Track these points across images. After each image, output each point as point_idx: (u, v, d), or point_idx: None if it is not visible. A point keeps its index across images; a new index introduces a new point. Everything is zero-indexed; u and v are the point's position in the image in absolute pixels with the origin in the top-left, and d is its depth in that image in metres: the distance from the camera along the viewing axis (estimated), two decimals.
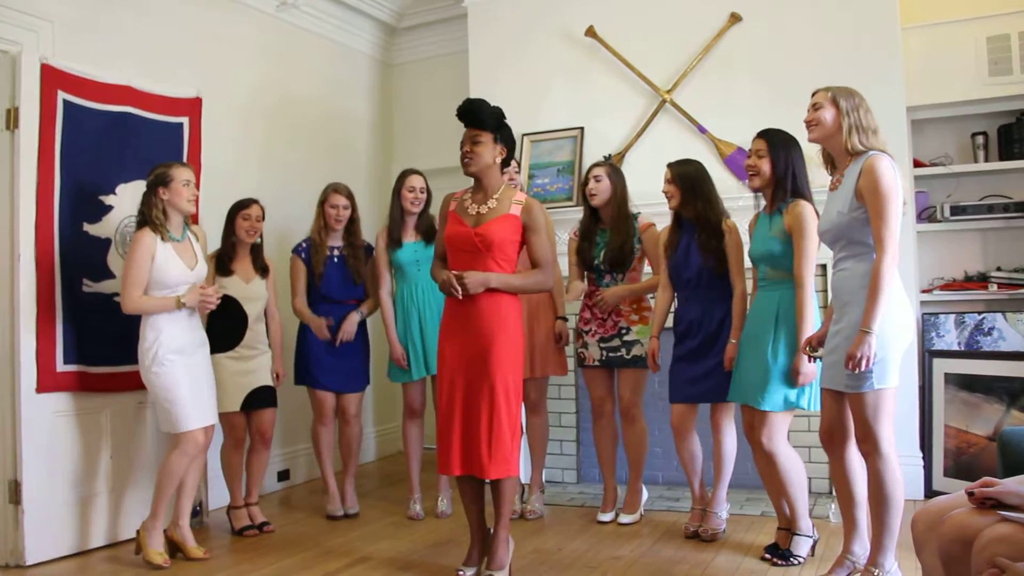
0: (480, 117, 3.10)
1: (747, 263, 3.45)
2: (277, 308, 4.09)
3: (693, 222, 3.55)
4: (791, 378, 3.11)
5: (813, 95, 2.84)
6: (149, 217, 3.40)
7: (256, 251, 3.99)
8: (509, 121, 3.19)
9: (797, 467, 3.22)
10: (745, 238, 3.48)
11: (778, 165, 3.16)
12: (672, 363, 3.64)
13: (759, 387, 3.15)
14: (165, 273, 3.38)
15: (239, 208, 3.92)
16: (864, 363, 2.59)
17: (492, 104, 3.15)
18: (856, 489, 2.87)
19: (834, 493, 3.97)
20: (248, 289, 3.91)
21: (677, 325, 3.63)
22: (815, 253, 3.09)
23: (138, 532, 3.45)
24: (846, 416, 2.79)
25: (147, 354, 3.38)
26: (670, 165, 3.58)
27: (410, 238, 4.09)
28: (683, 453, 3.66)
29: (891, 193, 2.60)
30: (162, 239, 3.40)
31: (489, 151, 3.10)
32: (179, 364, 3.39)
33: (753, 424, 3.25)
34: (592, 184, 3.78)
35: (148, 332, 3.39)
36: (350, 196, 4.14)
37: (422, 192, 4.08)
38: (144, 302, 3.37)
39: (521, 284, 3.12)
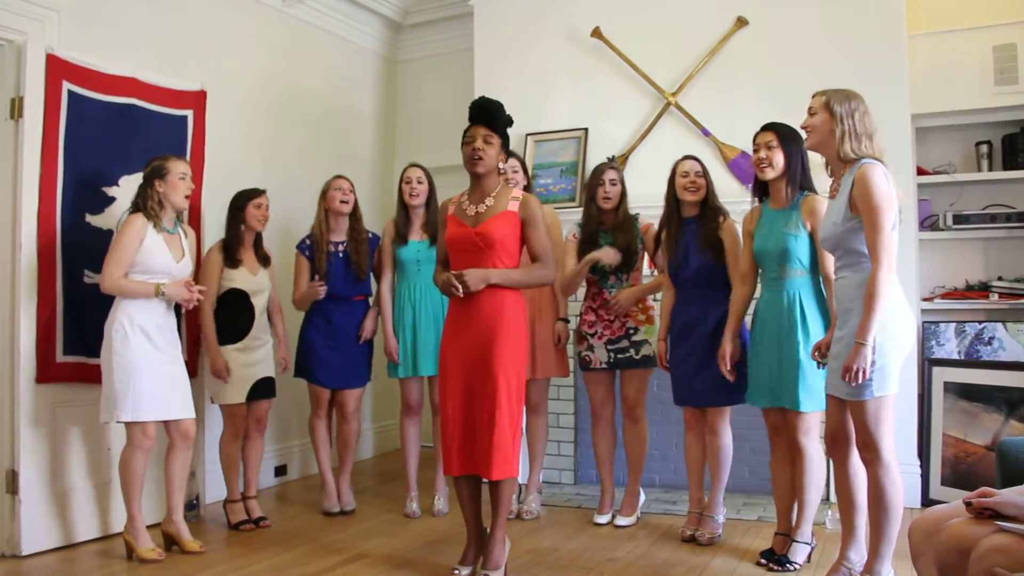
0: (496, 119, 3.11)
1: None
2: (278, 297, 4.11)
3: (696, 217, 3.55)
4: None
5: (812, 98, 2.83)
6: (144, 206, 3.40)
7: (257, 242, 4.00)
8: (513, 120, 3.20)
9: (821, 468, 3.21)
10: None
11: (790, 156, 3.15)
12: (673, 366, 3.64)
13: (794, 388, 3.09)
14: (151, 259, 3.37)
15: (250, 197, 3.91)
16: (860, 375, 2.59)
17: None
18: (858, 496, 2.86)
19: (832, 500, 3.99)
20: (255, 281, 3.92)
21: (673, 327, 3.63)
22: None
23: (124, 538, 3.44)
24: (849, 422, 2.79)
25: (114, 333, 3.31)
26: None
27: (416, 236, 4.10)
28: (690, 450, 3.67)
29: (884, 203, 2.58)
30: (154, 227, 3.40)
31: (496, 153, 3.11)
32: (145, 350, 3.34)
33: (777, 426, 3.24)
34: (609, 187, 3.76)
35: (119, 312, 3.35)
36: (352, 185, 4.15)
37: (419, 183, 4.06)
38: (124, 284, 3.34)
39: (522, 278, 3.11)
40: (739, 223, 3.61)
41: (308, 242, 4.13)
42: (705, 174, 3.58)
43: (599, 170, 3.83)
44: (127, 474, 3.38)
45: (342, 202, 4.08)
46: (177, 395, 3.45)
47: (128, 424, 3.36)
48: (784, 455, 3.26)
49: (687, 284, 3.57)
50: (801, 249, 3.10)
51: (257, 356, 3.93)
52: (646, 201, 4.04)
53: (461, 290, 3.00)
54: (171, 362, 3.45)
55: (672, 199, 3.62)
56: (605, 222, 3.83)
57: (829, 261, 3.01)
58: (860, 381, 2.60)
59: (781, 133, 3.17)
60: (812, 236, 3.09)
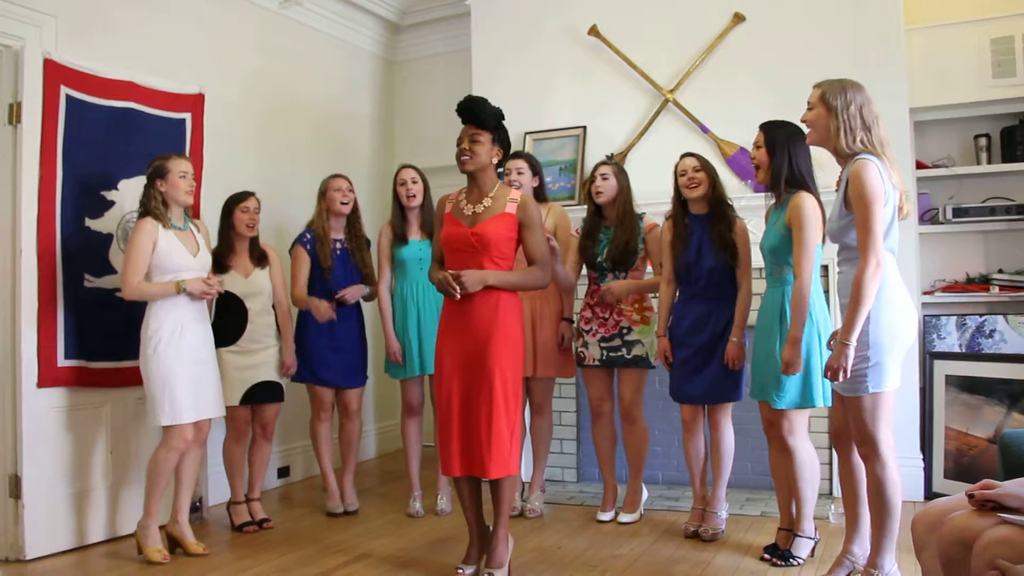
0: (481, 115, 3.08)
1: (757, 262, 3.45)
2: (286, 298, 4.05)
3: (708, 215, 3.53)
4: (803, 374, 3.08)
5: (812, 90, 2.81)
6: (149, 208, 3.42)
7: (252, 244, 3.98)
8: (511, 119, 3.18)
9: (814, 465, 3.21)
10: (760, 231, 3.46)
11: (774, 155, 3.12)
12: (674, 363, 3.63)
13: (773, 385, 3.13)
14: (168, 258, 3.40)
15: (236, 201, 3.90)
16: (841, 374, 2.59)
17: (493, 104, 3.14)
18: (861, 490, 2.87)
19: (835, 494, 3.99)
20: (248, 284, 3.90)
21: (678, 324, 3.62)
22: (814, 245, 3.03)
23: (136, 535, 3.45)
24: None
25: (148, 340, 3.37)
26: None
27: (415, 235, 4.10)
28: (689, 448, 3.66)
29: (873, 200, 2.54)
30: (164, 227, 3.41)
31: (487, 151, 3.09)
32: (179, 353, 3.38)
33: (772, 420, 3.25)
34: (599, 182, 3.77)
35: (151, 319, 3.39)
36: (350, 183, 4.14)
37: (413, 183, 4.06)
38: (144, 287, 3.38)
39: (518, 281, 3.11)
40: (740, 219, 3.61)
41: (309, 236, 4.10)
42: (704, 167, 3.55)
43: (594, 166, 3.85)
44: (156, 472, 3.40)
45: (342, 203, 4.08)
46: (210, 394, 3.50)
47: (165, 426, 3.39)
48: (781, 449, 3.26)
49: (698, 283, 3.54)
50: (783, 247, 3.10)
51: (255, 359, 3.89)
52: (645, 198, 4.04)
53: (458, 292, 2.99)
54: (200, 361, 3.47)
55: (677, 200, 3.61)
56: (606, 217, 3.84)
57: (805, 258, 3.00)
58: (840, 380, 2.61)
59: (769, 132, 3.16)
60: (792, 234, 3.06)
